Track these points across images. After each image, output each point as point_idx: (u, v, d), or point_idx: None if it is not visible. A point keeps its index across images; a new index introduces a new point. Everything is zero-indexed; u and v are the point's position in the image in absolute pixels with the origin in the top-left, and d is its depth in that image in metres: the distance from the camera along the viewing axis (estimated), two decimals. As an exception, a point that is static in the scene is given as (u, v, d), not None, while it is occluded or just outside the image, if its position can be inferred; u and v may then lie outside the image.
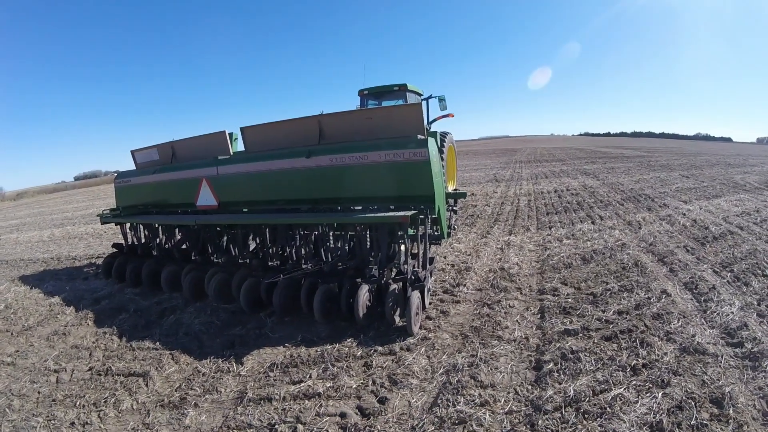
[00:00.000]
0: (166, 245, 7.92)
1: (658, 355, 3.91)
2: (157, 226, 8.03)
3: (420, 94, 11.48)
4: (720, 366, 3.72)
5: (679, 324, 4.51)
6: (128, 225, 8.40)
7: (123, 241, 8.48)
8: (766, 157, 35.20)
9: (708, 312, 4.84)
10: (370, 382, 3.91)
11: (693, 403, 3.20)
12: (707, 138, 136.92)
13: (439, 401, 3.54)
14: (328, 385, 3.89)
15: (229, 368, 4.38)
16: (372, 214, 5.13)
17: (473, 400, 3.50)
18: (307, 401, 3.71)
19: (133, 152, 8.52)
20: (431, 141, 5.02)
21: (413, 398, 3.67)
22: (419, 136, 5.12)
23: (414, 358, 4.25)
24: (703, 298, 5.23)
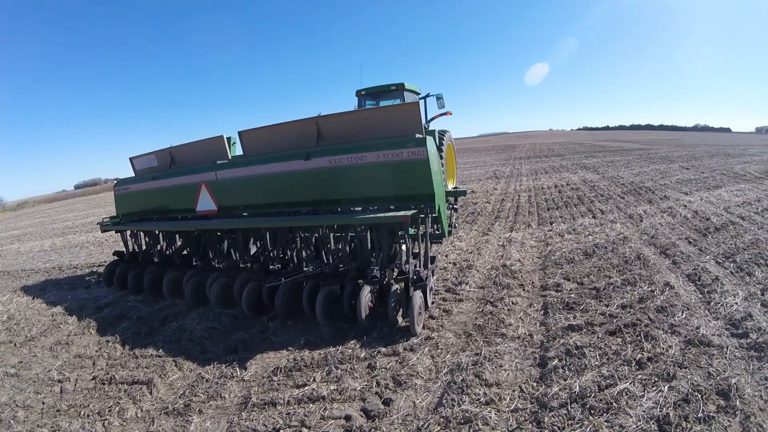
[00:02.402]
0: (167, 251, 7.90)
1: (663, 349, 3.89)
2: (157, 232, 8.01)
3: (417, 93, 11.46)
4: (725, 357, 3.71)
5: (684, 316, 4.49)
6: (128, 232, 8.38)
7: (124, 249, 8.47)
8: (766, 146, 35.11)
9: (712, 303, 4.83)
10: (374, 384, 3.89)
11: (699, 396, 3.19)
12: (706, 129, 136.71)
13: (444, 401, 3.52)
14: (332, 388, 3.88)
15: (232, 373, 4.36)
16: (372, 215, 5.10)
17: (478, 399, 3.48)
18: (311, 405, 3.69)
19: (131, 159, 8.51)
20: (429, 140, 5.00)
21: (418, 399, 3.65)
22: (417, 135, 5.10)
23: (418, 358, 4.24)
24: (706, 290, 5.22)
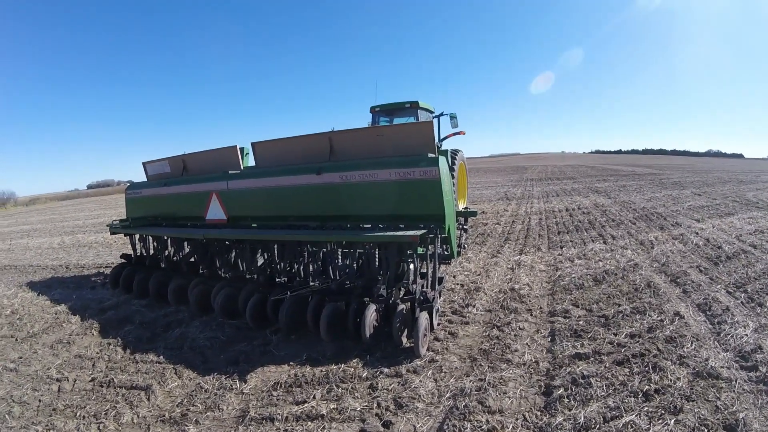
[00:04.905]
0: (174, 258, 7.92)
1: (671, 380, 3.83)
2: (165, 238, 8.03)
3: (431, 112, 11.46)
4: (734, 391, 3.65)
5: (693, 347, 4.43)
6: (137, 236, 8.42)
7: (131, 252, 8.50)
8: (779, 174, 34.84)
9: (722, 334, 4.77)
10: (375, 405, 3.84)
11: (706, 430, 3.14)
12: (719, 154, 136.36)
13: (446, 427, 3.46)
14: (331, 407, 3.83)
15: (232, 385, 4.33)
16: (381, 233, 5.06)
17: (480, 427, 3.42)
18: (309, 423, 3.65)
19: (144, 164, 8.57)
20: (442, 159, 4.98)
21: (419, 423, 3.59)
22: (430, 155, 5.08)
23: (421, 380, 4.18)
24: (716, 320, 5.15)
